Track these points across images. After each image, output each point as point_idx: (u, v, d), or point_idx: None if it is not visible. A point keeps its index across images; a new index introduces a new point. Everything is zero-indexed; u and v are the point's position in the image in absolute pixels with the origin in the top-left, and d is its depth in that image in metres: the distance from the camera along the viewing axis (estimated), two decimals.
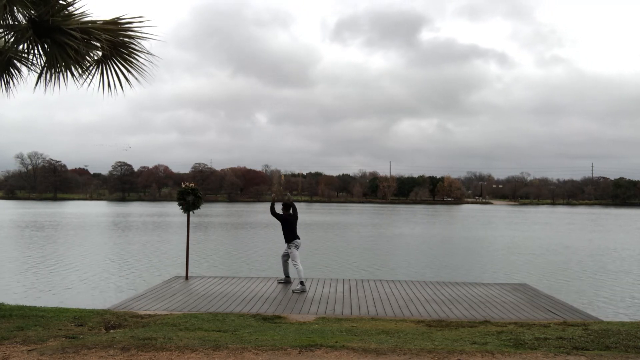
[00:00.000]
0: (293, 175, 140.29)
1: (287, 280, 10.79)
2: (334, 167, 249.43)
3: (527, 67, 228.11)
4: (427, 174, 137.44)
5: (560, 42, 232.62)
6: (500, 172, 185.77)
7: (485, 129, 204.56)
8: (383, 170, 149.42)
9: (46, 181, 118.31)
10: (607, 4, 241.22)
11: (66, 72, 5.68)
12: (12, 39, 5.51)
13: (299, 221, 10.63)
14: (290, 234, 10.33)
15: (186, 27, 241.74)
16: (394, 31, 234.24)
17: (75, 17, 5.47)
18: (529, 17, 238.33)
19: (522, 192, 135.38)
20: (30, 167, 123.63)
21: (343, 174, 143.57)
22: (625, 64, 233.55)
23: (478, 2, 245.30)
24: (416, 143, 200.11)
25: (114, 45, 5.89)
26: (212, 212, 61.46)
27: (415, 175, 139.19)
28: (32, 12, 5.24)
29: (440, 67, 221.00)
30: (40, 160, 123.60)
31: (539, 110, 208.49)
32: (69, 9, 5.47)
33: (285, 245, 10.52)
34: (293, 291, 9.85)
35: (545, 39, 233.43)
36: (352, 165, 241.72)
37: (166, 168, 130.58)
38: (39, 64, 5.77)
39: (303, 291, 9.87)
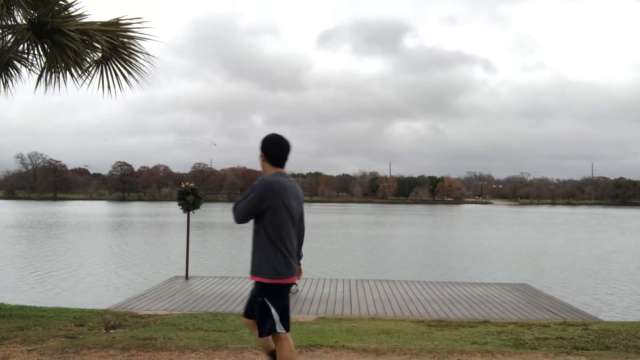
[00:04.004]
0: (293, 175, 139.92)
1: None
2: (333, 167, 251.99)
3: (510, 72, 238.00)
4: (427, 174, 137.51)
5: (540, 48, 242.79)
6: (500, 172, 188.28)
7: (478, 131, 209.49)
8: (381, 171, 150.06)
9: (46, 181, 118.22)
10: (583, 14, 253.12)
11: (66, 73, 5.68)
12: (12, 40, 5.51)
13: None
14: None
15: (182, 36, 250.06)
16: (379, 39, 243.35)
17: (75, 19, 5.47)
18: (509, 25, 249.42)
19: (522, 192, 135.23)
20: (30, 167, 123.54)
21: (343, 174, 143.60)
22: (605, 68, 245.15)
23: (459, 10, 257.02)
24: (411, 144, 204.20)
25: (113, 47, 5.89)
26: (212, 212, 61.45)
27: (415, 175, 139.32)
28: (32, 12, 5.24)
29: (427, 72, 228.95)
30: (40, 160, 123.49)
31: (527, 113, 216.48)
32: (68, 10, 5.48)
33: None
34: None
35: (526, 46, 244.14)
36: (349, 166, 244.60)
37: (166, 168, 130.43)
38: (39, 64, 5.77)
39: (296, 291, 10.02)
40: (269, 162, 3.37)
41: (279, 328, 3.25)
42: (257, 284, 3.29)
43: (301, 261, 3.61)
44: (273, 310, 3.23)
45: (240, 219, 3.31)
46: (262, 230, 3.27)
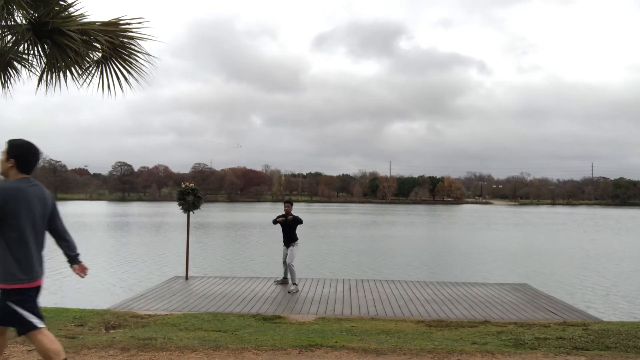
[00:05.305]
0: (293, 175, 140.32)
1: (284, 282, 10.87)
2: (333, 167, 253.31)
3: (506, 73, 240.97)
4: (427, 174, 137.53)
5: (535, 50, 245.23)
6: (500, 172, 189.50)
7: (477, 131, 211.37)
8: (381, 171, 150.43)
9: (46, 181, 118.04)
10: (576, 16, 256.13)
11: (66, 73, 5.68)
12: (11, 40, 5.51)
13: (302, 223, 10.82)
14: (289, 237, 10.58)
15: (181, 38, 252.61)
16: (375, 41, 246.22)
17: (75, 19, 5.47)
18: (503, 27, 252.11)
19: (522, 192, 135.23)
20: None
21: (343, 174, 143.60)
22: (600, 70, 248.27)
23: (453, 13, 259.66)
24: (410, 144, 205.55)
25: (113, 47, 5.89)
26: (212, 212, 61.43)
27: (415, 175, 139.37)
28: (32, 12, 5.24)
29: (424, 74, 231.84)
30: (40, 160, 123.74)
31: (524, 114, 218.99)
32: (69, 10, 5.47)
33: (283, 247, 10.76)
34: (289, 292, 9.99)
35: (520, 48, 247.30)
36: (349, 166, 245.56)
37: (166, 168, 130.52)
38: (39, 65, 5.77)
39: (296, 291, 10.03)
40: (18, 169, 3.43)
41: (39, 324, 3.33)
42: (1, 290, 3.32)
43: (80, 257, 3.74)
44: (22, 311, 3.29)
45: None
46: (1, 236, 3.31)
